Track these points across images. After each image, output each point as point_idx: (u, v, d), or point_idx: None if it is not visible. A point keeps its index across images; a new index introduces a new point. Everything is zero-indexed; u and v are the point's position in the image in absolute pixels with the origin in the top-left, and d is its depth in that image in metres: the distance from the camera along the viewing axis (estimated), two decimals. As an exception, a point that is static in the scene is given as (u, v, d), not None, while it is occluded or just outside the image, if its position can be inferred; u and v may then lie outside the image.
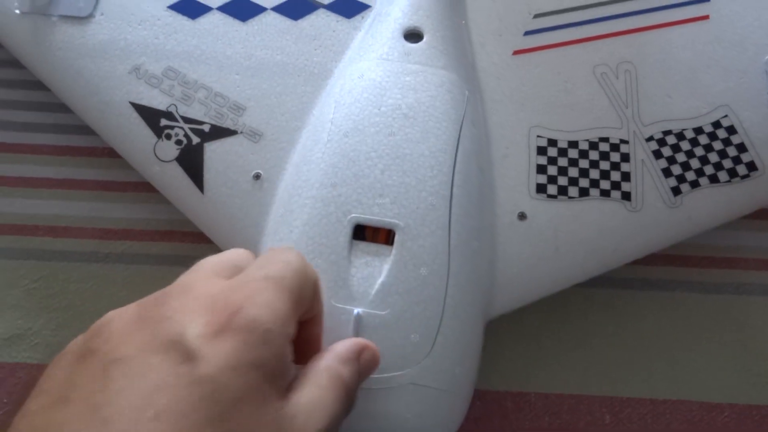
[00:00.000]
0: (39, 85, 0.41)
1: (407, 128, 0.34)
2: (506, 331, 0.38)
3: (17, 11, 0.40)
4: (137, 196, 0.41)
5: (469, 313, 0.32)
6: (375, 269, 0.31)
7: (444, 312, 0.31)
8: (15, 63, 0.42)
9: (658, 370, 0.37)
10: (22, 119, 0.43)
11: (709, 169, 0.36)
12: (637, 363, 0.37)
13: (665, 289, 0.39)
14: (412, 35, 0.38)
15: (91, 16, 0.40)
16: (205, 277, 0.25)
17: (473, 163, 0.35)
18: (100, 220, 0.41)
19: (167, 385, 0.19)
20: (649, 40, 0.39)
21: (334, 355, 0.25)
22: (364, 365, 0.26)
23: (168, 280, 0.39)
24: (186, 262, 0.39)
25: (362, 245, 0.32)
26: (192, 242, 0.40)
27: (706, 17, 0.40)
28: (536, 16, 0.40)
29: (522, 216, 0.35)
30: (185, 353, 0.20)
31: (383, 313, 0.30)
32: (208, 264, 0.26)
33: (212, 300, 0.23)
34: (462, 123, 0.35)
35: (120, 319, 0.22)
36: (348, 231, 0.32)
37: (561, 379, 0.37)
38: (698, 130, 0.37)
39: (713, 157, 0.37)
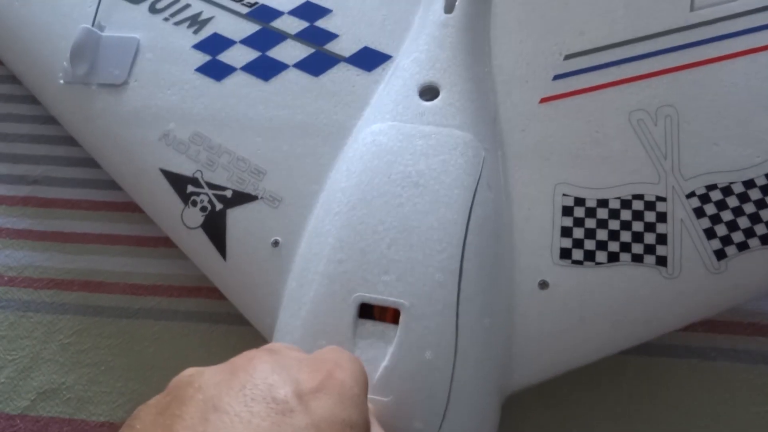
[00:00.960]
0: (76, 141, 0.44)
1: (416, 198, 0.33)
2: (534, 400, 0.36)
3: (61, 81, 0.43)
4: (168, 251, 0.43)
5: (480, 394, 0.31)
6: (379, 351, 0.30)
7: (450, 397, 0.30)
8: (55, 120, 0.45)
9: None
10: (62, 175, 0.46)
11: (760, 229, 0.32)
12: None
13: (706, 358, 0.35)
14: (429, 91, 0.36)
15: (126, 83, 0.42)
16: (283, 347, 0.26)
17: (488, 232, 0.33)
18: (132, 275, 0.43)
19: None
20: (696, 79, 0.35)
21: None
22: None
23: (194, 336, 0.41)
24: (213, 318, 0.41)
25: (368, 325, 0.31)
26: (219, 299, 0.41)
27: (766, 48, 0.35)
28: (567, 57, 0.38)
29: (543, 284, 0.33)
30: (285, 405, 0.21)
31: (386, 399, 0.30)
32: (278, 343, 0.28)
33: (304, 362, 0.24)
34: (476, 189, 0.33)
35: (212, 371, 0.23)
36: (353, 311, 0.31)
37: None
38: (749, 184, 0.33)
39: (766, 215, 0.33)
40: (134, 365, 0.41)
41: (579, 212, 0.34)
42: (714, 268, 0.32)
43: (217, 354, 0.40)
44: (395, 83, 0.37)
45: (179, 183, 0.39)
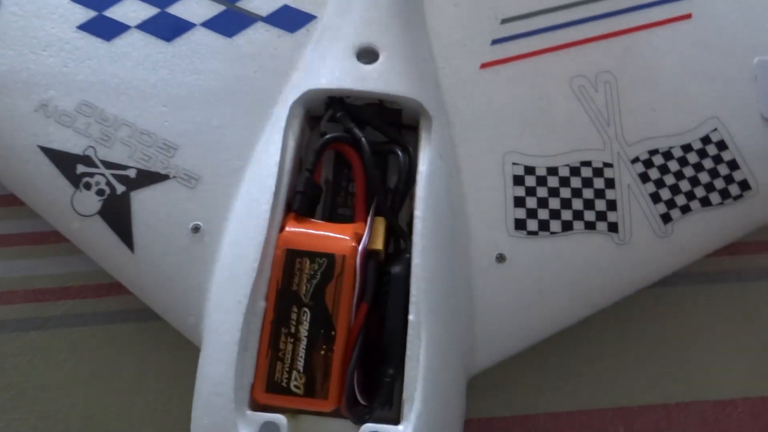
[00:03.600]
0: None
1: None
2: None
3: None
4: (73, 246, 0.35)
5: (449, 379, 0.28)
6: None
7: (419, 384, 0.27)
8: None
9: (668, 373, 0.35)
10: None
11: (700, 191, 0.33)
12: (646, 369, 0.35)
13: (666, 284, 0.36)
14: (367, 53, 0.33)
15: (-17, 42, 0.34)
16: None
17: (443, 205, 0.31)
18: (33, 279, 0.36)
19: None
20: (629, 46, 0.35)
21: None
22: None
23: (122, 340, 0.34)
24: (141, 317, 0.35)
25: None
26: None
27: (687, 16, 0.36)
28: (504, 21, 0.36)
29: (501, 258, 0.31)
30: None
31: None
32: None
33: None
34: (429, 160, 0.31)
35: None
36: None
37: (569, 395, 0.35)
38: (687, 148, 0.34)
39: (704, 177, 0.33)
40: (53, 384, 0.34)
41: (530, 181, 0.33)
42: (661, 232, 0.33)
43: (154, 355, 0.35)
44: (327, 46, 0.33)
45: (66, 162, 0.32)
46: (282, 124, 0.31)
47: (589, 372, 0.35)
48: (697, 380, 0.35)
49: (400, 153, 0.31)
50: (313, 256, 0.28)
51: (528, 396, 0.35)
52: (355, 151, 0.31)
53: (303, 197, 0.30)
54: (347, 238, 0.29)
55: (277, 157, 0.30)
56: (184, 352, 0.35)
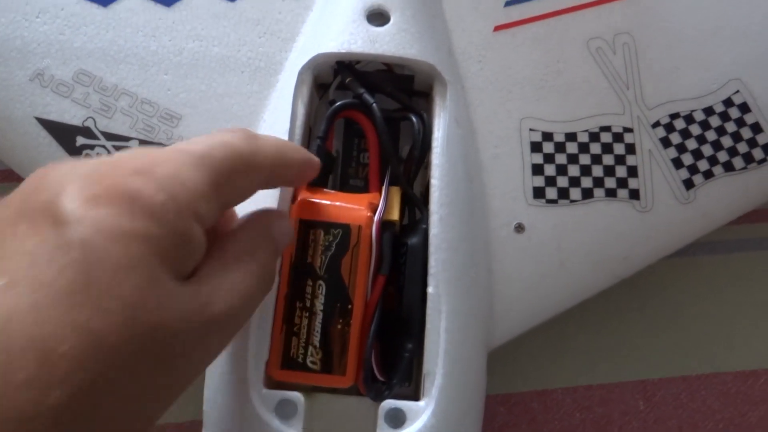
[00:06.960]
0: None
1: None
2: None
3: None
4: None
5: (471, 352, 0.28)
6: None
7: (440, 359, 0.26)
8: None
9: (688, 344, 0.35)
10: None
11: (722, 156, 0.32)
12: (665, 341, 0.35)
13: (685, 254, 0.35)
14: (377, 16, 0.31)
15: (-27, 9, 0.32)
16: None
17: (461, 172, 0.29)
18: None
19: (26, 252, 0.17)
20: (648, 6, 0.34)
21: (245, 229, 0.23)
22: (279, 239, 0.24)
23: None
24: None
25: None
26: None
27: (708, -26, 0.35)
28: (517, -18, 0.34)
29: (519, 227, 0.30)
30: (54, 218, 0.17)
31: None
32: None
33: (99, 166, 0.19)
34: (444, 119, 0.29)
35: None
36: None
37: (587, 369, 0.34)
38: (708, 111, 0.33)
39: (726, 142, 0.32)
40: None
41: (548, 148, 0.32)
42: (684, 199, 0.32)
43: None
44: (335, 8, 0.32)
45: (65, 134, 0.31)
46: (290, 91, 0.30)
47: (608, 345, 0.35)
48: (717, 351, 0.35)
49: (414, 119, 0.30)
50: (327, 226, 0.27)
51: (545, 370, 0.34)
52: (367, 118, 0.30)
53: (315, 166, 0.29)
54: (362, 207, 0.28)
55: (286, 125, 0.29)
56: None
